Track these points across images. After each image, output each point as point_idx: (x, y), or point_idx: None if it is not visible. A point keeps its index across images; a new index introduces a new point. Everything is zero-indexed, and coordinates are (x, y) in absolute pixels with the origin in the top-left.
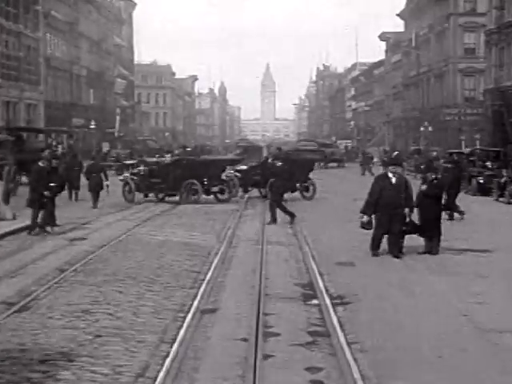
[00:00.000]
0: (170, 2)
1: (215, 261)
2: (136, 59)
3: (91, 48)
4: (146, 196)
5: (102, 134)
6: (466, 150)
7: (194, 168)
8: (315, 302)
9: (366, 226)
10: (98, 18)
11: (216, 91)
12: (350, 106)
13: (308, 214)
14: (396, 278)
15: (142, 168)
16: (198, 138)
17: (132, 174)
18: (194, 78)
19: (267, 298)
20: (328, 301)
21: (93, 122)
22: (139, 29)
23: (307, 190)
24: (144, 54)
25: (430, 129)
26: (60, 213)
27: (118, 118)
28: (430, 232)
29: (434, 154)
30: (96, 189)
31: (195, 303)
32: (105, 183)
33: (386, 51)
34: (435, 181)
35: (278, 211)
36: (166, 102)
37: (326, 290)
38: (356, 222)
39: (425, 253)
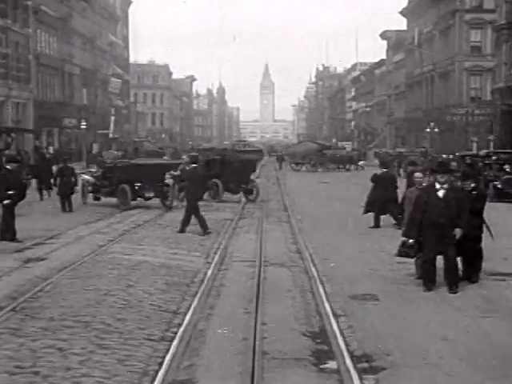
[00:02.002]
0: (167, 1)
1: (199, 293)
2: (132, 58)
3: (84, 45)
4: (98, 199)
5: (95, 134)
6: (482, 153)
7: (127, 171)
8: (333, 365)
9: (409, 251)
10: (92, 15)
11: (214, 92)
12: (350, 106)
13: (312, 224)
14: (437, 322)
15: (94, 170)
16: (196, 139)
17: (92, 176)
18: (192, 79)
19: (265, 361)
20: (351, 365)
21: (83, 122)
22: (135, 27)
23: (251, 192)
24: (140, 53)
25: (436, 130)
26: (29, 223)
27: (112, 118)
28: (471, 254)
29: (444, 156)
30: (66, 193)
31: (162, 370)
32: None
33: (388, 50)
34: (475, 191)
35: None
36: (163, 103)
37: (346, 345)
38: (370, 235)
39: (463, 279)
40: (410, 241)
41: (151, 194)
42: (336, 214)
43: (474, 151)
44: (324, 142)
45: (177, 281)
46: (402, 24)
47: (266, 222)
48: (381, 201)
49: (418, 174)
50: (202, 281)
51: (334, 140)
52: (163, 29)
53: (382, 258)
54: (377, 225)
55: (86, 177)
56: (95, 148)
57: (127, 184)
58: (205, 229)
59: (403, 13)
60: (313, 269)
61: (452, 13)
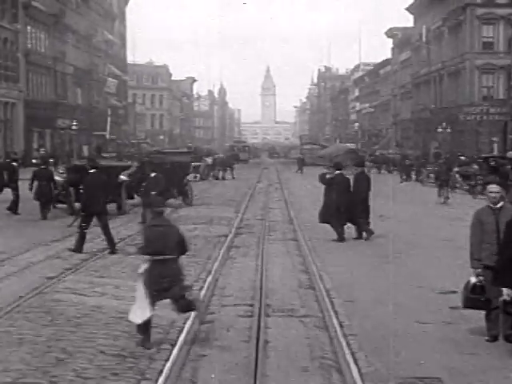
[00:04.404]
0: (166, 1)
1: (161, 380)
2: (130, 58)
3: (78, 43)
4: (62, 202)
5: (91, 136)
6: (510, 154)
7: (74, 173)
8: None
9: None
10: (87, 11)
11: (216, 93)
12: (353, 107)
13: (324, 242)
14: None
15: (61, 171)
16: (197, 140)
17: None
18: (193, 80)
19: None
20: None
21: (75, 123)
22: (134, 27)
23: (186, 195)
24: (139, 53)
25: (448, 130)
26: None
27: (108, 119)
28: None
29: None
30: (42, 198)
31: None
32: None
33: (393, 49)
34: None
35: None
36: (163, 104)
37: None
38: (396, 256)
39: None
40: (505, 291)
41: None
42: (351, 228)
43: (495, 153)
44: (325, 143)
45: (134, 349)
46: (408, 22)
47: (268, 241)
48: (335, 208)
49: (492, 188)
50: (173, 347)
51: (337, 141)
52: (163, 29)
53: (425, 300)
54: (341, 238)
55: (57, 178)
56: (85, 150)
57: (73, 187)
58: (76, 249)
59: (410, 9)
60: (335, 321)
61: (462, 7)
